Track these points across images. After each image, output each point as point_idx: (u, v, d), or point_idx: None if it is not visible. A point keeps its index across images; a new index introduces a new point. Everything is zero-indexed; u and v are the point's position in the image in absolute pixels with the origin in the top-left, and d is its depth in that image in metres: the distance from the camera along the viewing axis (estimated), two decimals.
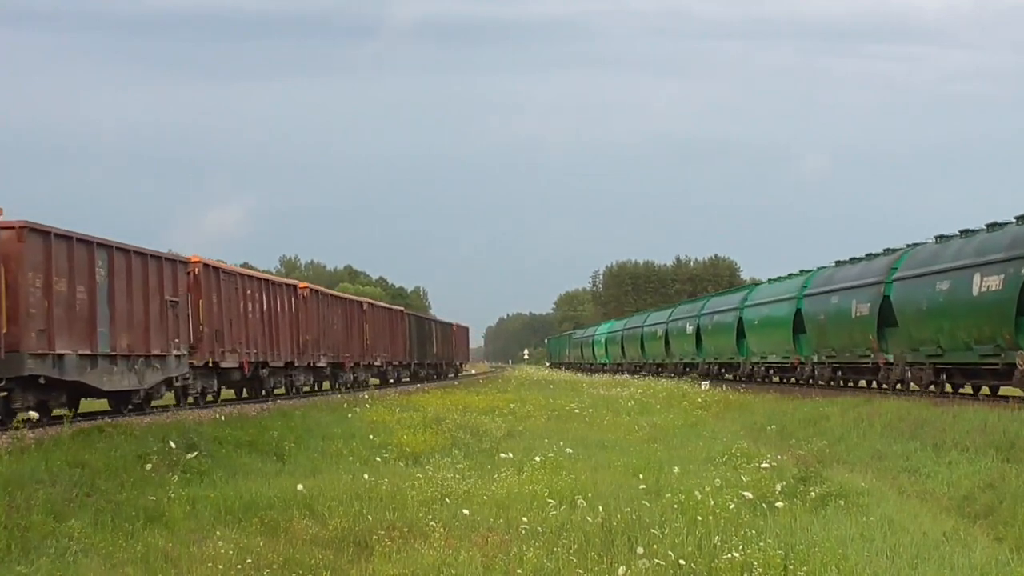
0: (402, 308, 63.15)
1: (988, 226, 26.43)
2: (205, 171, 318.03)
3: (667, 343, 63.32)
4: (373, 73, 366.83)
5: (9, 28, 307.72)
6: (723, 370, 52.03)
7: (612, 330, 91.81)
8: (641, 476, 15.83)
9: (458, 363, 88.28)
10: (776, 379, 44.11)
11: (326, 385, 45.21)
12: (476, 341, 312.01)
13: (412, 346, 62.11)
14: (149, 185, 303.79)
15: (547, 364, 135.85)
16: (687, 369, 58.88)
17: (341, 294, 51.38)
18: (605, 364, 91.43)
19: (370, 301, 53.77)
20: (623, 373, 70.59)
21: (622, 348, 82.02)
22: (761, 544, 10.66)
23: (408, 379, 62.26)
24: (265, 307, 35.24)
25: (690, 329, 56.52)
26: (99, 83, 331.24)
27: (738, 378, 47.30)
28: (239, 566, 10.50)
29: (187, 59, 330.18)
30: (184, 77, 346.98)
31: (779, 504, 13.04)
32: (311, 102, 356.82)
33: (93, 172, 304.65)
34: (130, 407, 25.18)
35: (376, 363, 52.35)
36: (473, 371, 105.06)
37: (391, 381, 56.21)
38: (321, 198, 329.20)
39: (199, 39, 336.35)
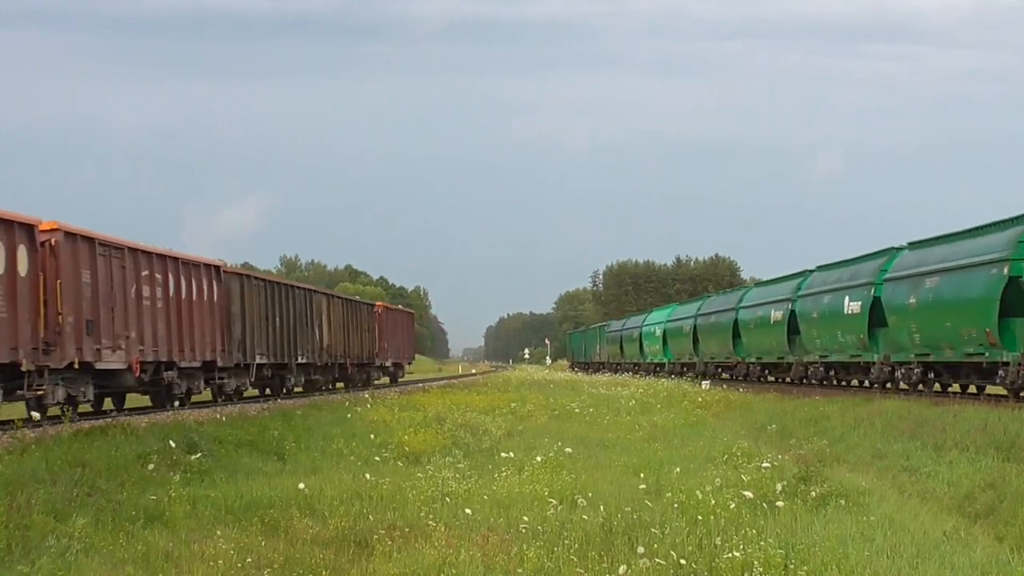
0: (220, 263, 33.21)
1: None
2: (209, 172, 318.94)
3: (790, 331, 39.96)
4: (374, 74, 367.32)
5: (9, 28, 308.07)
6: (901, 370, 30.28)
7: (674, 317, 63.65)
8: (642, 476, 15.84)
9: (390, 363, 57.50)
10: None
11: None
12: (476, 341, 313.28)
13: (248, 334, 33.09)
14: (152, 185, 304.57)
15: (568, 365, 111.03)
16: (832, 373, 37.17)
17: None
18: (663, 365, 65.85)
19: (95, 235, 23.74)
20: (698, 377, 52.09)
21: (694, 342, 56.36)
22: (762, 543, 10.66)
23: (235, 394, 32.59)
24: None
25: (855, 307, 32.78)
26: (100, 83, 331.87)
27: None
28: (239, 565, 10.50)
29: (188, 60, 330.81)
30: (184, 78, 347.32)
31: (780, 504, 13.05)
32: (315, 103, 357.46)
33: (95, 172, 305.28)
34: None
35: (112, 366, 24.17)
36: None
37: (184, 399, 28.69)
38: (324, 198, 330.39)
39: (200, 39, 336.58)
